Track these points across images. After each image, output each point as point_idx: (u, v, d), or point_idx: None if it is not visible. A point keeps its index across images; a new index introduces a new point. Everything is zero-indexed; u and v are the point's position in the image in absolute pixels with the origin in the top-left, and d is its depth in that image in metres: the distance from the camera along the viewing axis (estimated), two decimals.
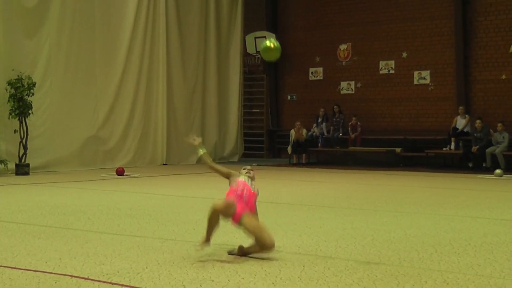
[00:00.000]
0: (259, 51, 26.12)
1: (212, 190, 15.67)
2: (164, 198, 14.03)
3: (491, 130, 21.36)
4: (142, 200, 13.46)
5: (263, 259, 7.41)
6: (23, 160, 18.86)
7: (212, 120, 25.40)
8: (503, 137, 20.95)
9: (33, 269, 6.90)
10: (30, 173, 18.73)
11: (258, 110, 27.77)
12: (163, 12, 23.43)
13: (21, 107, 18.66)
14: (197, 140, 8.35)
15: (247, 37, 26.43)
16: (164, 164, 23.47)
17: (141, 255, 7.65)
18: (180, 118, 24.24)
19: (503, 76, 22.16)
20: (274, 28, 26.70)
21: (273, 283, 6.31)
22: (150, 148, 23.40)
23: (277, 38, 25.63)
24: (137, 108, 22.88)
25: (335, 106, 24.60)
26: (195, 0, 24.62)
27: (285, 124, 26.72)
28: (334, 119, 24.60)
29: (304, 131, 24.53)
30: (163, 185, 16.84)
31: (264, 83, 27.40)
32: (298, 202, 13.19)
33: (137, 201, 13.32)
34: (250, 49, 26.52)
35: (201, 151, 8.36)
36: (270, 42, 7.95)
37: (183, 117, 24.38)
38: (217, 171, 8.26)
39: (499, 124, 21.05)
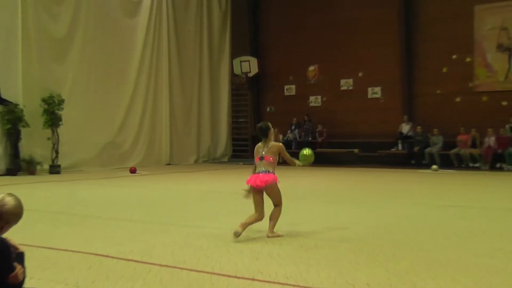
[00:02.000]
0: (244, 72, 26.15)
1: (207, 185, 15.69)
2: (168, 191, 14.02)
3: (428, 134, 21.46)
4: (151, 193, 13.46)
5: (248, 240, 7.43)
6: (55, 162, 18.82)
7: (206, 128, 25.38)
8: (439, 139, 21.09)
9: (64, 249, 6.91)
10: (61, 172, 18.68)
11: (243, 120, 27.77)
12: (165, 40, 23.42)
13: (52, 119, 18.63)
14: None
15: (234, 61, 26.43)
16: (168, 164, 23.42)
17: (150, 238, 7.66)
18: (180, 126, 24.21)
19: (438, 91, 22.26)
20: (256, 53, 26.72)
21: (256, 258, 6.35)
22: (156, 151, 23.35)
23: (258, 61, 25.74)
24: (146, 119, 22.84)
25: (305, 116, 24.65)
26: (191, 31, 24.61)
27: None
28: (305, 126, 24.65)
29: (281, 136, 24.56)
30: (167, 181, 16.82)
31: (248, 97, 27.40)
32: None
33: (147, 194, 13.31)
34: (237, 70, 26.51)
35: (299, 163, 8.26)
36: (306, 151, 8.02)
37: (182, 126, 24.36)
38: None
39: (435, 130, 21.18)
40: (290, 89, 26.18)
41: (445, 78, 22.16)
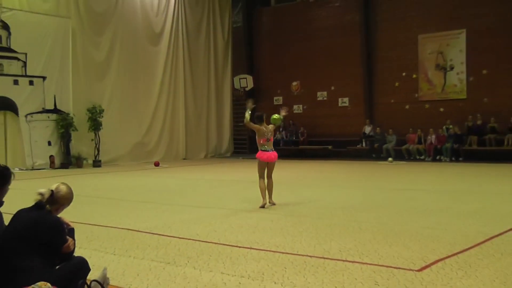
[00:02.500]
0: (242, 87, 26.08)
1: (216, 174, 15.69)
2: (184, 180, 14.01)
3: (385, 134, 21.43)
4: (170, 182, 13.46)
5: (247, 217, 7.42)
6: (97, 158, 18.77)
7: (212, 130, 25.27)
8: (393, 137, 21.04)
9: (104, 225, 6.90)
10: (102, 166, 18.63)
11: (242, 124, 27.59)
12: (181, 63, 23.29)
13: (95, 124, 18.61)
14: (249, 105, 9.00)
15: (234, 78, 26.29)
16: (184, 159, 23.34)
17: (170, 216, 7.66)
18: (193, 129, 24.09)
19: (392, 100, 22.21)
20: (251, 71, 26.61)
21: (253, 232, 6.35)
22: (175, 148, 23.25)
23: (253, 77, 25.67)
24: (166, 123, 22.75)
25: (290, 121, 24.56)
26: (201, 55, 24.47)
27: None
28: (290, 128, 24.56)
29: None
30: (183, 172, 16.79)
31: (246, 107, 27.23)
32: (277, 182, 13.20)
33: (167, 182, 13.31)
34: (237, 85, 26.37)
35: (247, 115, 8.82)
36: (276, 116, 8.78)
37: (195, 128, 24.24)
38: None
39: (390, 130, 21.13)
40: (278, 100, 26.08)
41: (397, 90, 22.12)
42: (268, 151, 8.51)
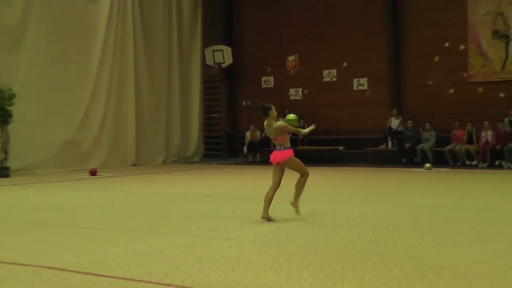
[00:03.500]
0: (217, 63, 26.07)
1: (176, 187, 15.62)
2: (134, 194, 13.91)
3: (420, 129, 21.57)
4: (114, 197, 13.34)
5: (223, 247, 7.37)
6: (3, 164, 18.50)
7: (176, 124, 25.28)
8: (431, 135, 21.20)
9: (16, 261, 6.78)
10: (11, 175, 18.39)
11: (217, 115, 27.69)
12: (130, 28, 23.25)
13: (2, 116, 18.32)
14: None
15: (206, 50, 26.33)
16: (133, 165, 23.27)
17: (113, 247, 7.56)
18: (147, 123, 24.07)
19: (430, 82, 22.39)
20: (230, 42, 26.64)
21: (232, 269, 6.28)
22: (120, 151, 23.18)
23: (233, 51, 25.68)
24: (109, 115, 22.65)
25: (286, 110, 24.53)
26: (159, 17, 24.48)
27: (241, 127, 26.66)
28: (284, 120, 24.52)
29: (258, 133, 24.49)
30: (133, 183, 16.69)
31: (222, 91, 27.33)
32: (254, 196, 13.17)
33: (110, 198, 13.20)
34: (209, 61, 26.40)
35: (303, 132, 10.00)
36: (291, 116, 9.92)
37: (150, 122, 24.22)
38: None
39: (427, 124, 21.30)
40: (268, 81, 26.16)
41: (437, 68, 22.30)
42: (279, 149, 9.60)
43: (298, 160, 9.70)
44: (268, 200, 9.45)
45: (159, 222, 9.51)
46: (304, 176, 9.74)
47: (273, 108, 9.77)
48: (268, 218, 9.34)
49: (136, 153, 23.52)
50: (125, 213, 10.68)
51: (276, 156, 9.53)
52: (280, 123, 9.74)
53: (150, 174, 19.87)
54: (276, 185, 9.59)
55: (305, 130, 9.99)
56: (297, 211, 9.67)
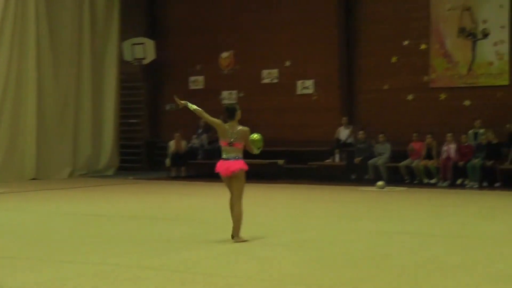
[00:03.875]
0: (137, 58, 25.92)
1: (85, 206, 15.46)
2: (33, 214, 13.71)
3: (373, 141, 21.77)
4: (8, 217, 13.12)
5: (139, 277, 7.34)
6: None
7: (86, 131, 24.98)
8: (385, 148, 21.38)
9: None
10: None
11: (136, 120, 27.48)
12: (32, 14, 22.90)
13: None
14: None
15: (124, 44, 26.13)
16: (33, 179, 22.89)
17: (9, 276, 7.46)
18: (51, 128, 23.72)
19: (386, 87, 22.64)
20: (152, 34, 26.49)
21: None
22: (17, 162, 22.75)
23: (156, 44, 25.58)
24: (3, 118, 22.28)
25: (220, 116, 24.44)
26: (68, 3, 24.23)
27: (164, 135, 26.48)
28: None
29: (184, 142, 24.39)
30: (32, 201, 16.43)
31: (142, 91, 27.14)
32: (178, 217, 13.17)
33: (2, 218, 12.98)
34: (127, 56, 26.20)
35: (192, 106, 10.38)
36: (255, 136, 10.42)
37: (55, 128, 23.87)
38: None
39: (381, 135, 21.46)
40: (197, 82, 26.11)
41: (394, 70, 22.57)
42: (228, 159, 9.86)
43: (244, 179, 9.96)
44: (240, 219, 9.74)
45: (63, 248, 9.40)
46: (239, 200, 9.85)
47: (239, 110, 10.26)
48: (243, 240, 9.66)
49: (36, 165, 23.15)
50: (22, 237, 10.53)
51: (229, 165, 9.76)
52: (245, 127, 10.14)
53: (54, 190, 19.59)
54: (240, 196, 9.84)
55: (258, 147, 10.49)
56: (244, 240, 9.76)
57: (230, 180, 9.88)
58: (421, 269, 7.85)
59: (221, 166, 9.84)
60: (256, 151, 10.38)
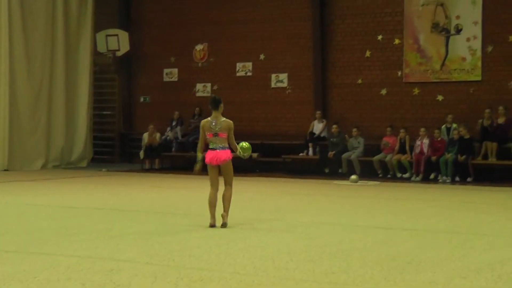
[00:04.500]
0: (111, 50, 25.80)
1: (58, 198, 15.39)
2: (4, 206, 13.61)
3: (346, 136, 21.85)
4: None
5: (112, 270, 7.32)
6: None
7: (59, 122, 24.82)
8: (359, 142, 21.46)
9: None
10: None
11: (110, 112, 27.35)
12: (5, 5, 22.73)
13: None
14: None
15: (97, 35, 25.98)
16: (5, 170, 22.73)
17: None
18: (24, 119, 23.56)
19: (360, 81, 22.70)
20: (126, 25, 26.35)
21: None
22: None
23: (130, 36, 25.47)
24: None
25: (197, 108, 24.37)
26: None
27: (138, 127, 26.41)
28: (192, 121, 24.42)
29: (158, 135, 24.30)
30: (3, 193, 16.32)
31: (116, 83, 27.01)
32: (151, 209, 13.13)
33: None
34: (101, 48, 26.06)
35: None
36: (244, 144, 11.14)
37: (28, 119, 23.71)
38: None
39: (354, 129, 21.54)
40: (171, 74, 26.04)
41: (368, 64, 22.63)
42: (216, 149, 10.45)
43: (232, 167, 10.67)
44: (214, 205, 10.41)
45: (35, 240, 9.35)
46: (230, 186, 10.61)
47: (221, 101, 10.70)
48: (214, 225, 10.35)
49: (8, 156, 22.98)
50: None
51: (218, 155, 10.36)
52: (229, 120, 10.68)
53: (26, 181, 19.49)
54: (217, 188, 10.53)
55: (244, 153, 11.03)
56: (225, 224, 10.38)
57: (217, 169, 10.49)
58: (393, 263, 7.88)
59: (210, 156, 10.39)
60: (242, 155, 10.97)
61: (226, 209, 10.46)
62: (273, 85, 24.19)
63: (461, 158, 19.60)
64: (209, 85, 25.25)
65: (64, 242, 9.16)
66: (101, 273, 7.19)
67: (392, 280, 7.02)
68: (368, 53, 22.55)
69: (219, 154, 10.39)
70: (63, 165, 24.88)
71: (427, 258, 8.21)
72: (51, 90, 24.50)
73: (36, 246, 8.86)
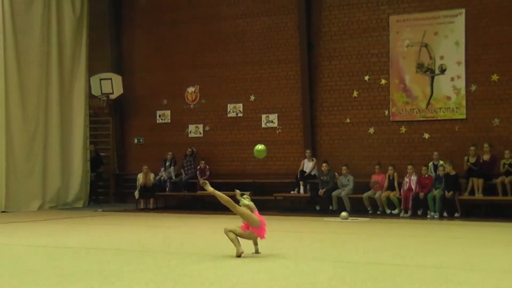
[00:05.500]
0: (105, 93, 25.83)
1: (53, 238, 15.29)
2: (0, 248, 13.50)
3: (336, 174, 21.85)
4: None
5: None
6: None
7: (55, 164, 24.74)
8: (348, 180, 21.49)
9: None
10: None
11: (104, 154, 27.29)
12: (1, 51, 22.79)
13: None
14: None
15: (91, 79, 26.03)
16: (3, 212, 22.62)
17: None
18: (20, 161, 23.48)
19: (348, 120, 22.76)
20: (119, 69, 26.44)
21: None
22: None
23: (123, 79, 25.52)
24: None
25: (189, 148, 24.39)
26: (36, 36, 24.02)
27: (132, 168, 26.36)
28: (185, 161, 24.42)
29: (152, 175, 24.28)
30: (1, 234, 16.21)
31: (110, 125, 27.01)
32: (145, 249, 13.04)
33: None
34: (95, 91, 26.10)
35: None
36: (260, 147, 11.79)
37: (24, 161, 23.63)
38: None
39: (344, 168, 21.57)
40: (164, 116, 26.06)
41: (356, 104, 22.71)
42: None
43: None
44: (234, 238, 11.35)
45: (31, 281, 9.26)
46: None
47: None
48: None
49: (5, 198, 22.89)
50: None
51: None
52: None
53: (22, 222, 19.35)
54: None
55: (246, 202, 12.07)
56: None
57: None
58: None
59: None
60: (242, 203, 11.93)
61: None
62: (263, 125, 24.23)
63: (448, 194, 19.59)
64: (201, 126, 25.29)
65: (59, 283, 9.07)
66: None
67: None
68: (355, 93, 22.65)
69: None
70: (59, 206, 24.76)
71: None
72: (47, 132, 24.47)
73: (31, 286, 8.77)
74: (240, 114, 24.65)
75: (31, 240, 14.64)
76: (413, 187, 20.32)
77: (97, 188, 26.88)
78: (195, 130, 25.42)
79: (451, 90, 21.38)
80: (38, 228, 17.79)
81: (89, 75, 25.99)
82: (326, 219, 19.61)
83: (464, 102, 21.21)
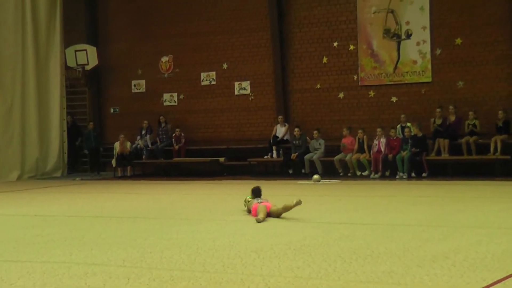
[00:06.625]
0: (80, 64, 25.68)
1: (33, 207, 15.27)
2: None
3: (308, 138, 21.95)
4: None
5: (86, 273, 7.27)
6: None
7: (32, 135, 24.63)
8: (320, 143, 21.59)
9: None
10: None
11: (81, 124, 27.17)
12: None
13: None
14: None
15: (67, 50, 25.84)
16: None
17: None
18: None
19: (318, 86, 22.82)
20: (94, 40, 26.26)
21: None
22: None
23: (98, 50, 25.35)
24: None
25: (161, 117, 24.41)
26: (9, 9, 23.81)
27: (109, 137, 26.27)
28: (160, 129, 24.42)
29: (128, 143, 24.23)
30: None
31: (86, 96, 26.87)
32: (123, 215, 13.05)
33: None
34: (71, 62, 25.93)
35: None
36: None
37: (1, 132, 23.53)
38: None
39: (315, 132, 21.68)
40: (139, 85, 25.97)
41: (326, 70, 22.76)
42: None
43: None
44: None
45: (11, 249, 9.25)
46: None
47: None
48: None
49: None
50: None
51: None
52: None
53: (1, 192, 19.30)
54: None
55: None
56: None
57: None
58: (354, 256, 7.91)
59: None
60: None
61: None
62: (236, 93, 24.23)
63: (415, 150, 19.80)
64: (175, 94, 25.23)
65: (39, 249, 9.07)
66: (76, 278, 7.13)
67: (353, 272, 7.05)
68: (325, 59, 22.69)
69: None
70: (38, 175, 24.68)
71: (386, 250, 8.26)
72: (24, 104, 24.33)
73: (12, 254, 8.77)
74: (213, 82, 24.62)
75: (11, 210, 14.61)
76: (382, 149, 20.48)
77: (77, 157, 26.79)
78: (169, 99, 25.36)
79: (417, 54, 21.47)
80: (17, 198, 17.76)
81: (64, 46, 25.79)
82: (299, 182, 19.71)
83: (429, 66, 21.33)
